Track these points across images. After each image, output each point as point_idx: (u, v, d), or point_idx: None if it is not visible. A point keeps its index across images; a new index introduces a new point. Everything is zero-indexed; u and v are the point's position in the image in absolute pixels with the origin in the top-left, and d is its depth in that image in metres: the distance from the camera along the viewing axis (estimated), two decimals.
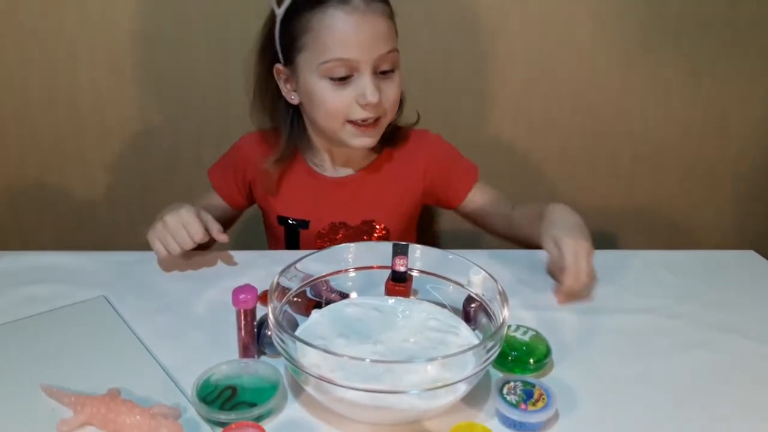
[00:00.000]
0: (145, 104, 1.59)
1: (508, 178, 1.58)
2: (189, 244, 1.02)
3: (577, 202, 1.12)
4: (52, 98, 1.57)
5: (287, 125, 1.17)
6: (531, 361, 0.82)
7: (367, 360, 0.68)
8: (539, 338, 0.86)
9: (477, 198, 1.25)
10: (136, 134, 1.62)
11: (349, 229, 1.22)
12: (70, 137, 1.62)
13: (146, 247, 1.05)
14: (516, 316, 0.94)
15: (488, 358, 0.72)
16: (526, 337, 0.86)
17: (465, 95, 1.61)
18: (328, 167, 1.22)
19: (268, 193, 1.23)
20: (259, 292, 0.83)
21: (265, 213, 1.28)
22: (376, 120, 1.09)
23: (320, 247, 1.07)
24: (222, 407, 0.74)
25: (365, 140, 1.11)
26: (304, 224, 1.22)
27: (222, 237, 1.05)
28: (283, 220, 1.23)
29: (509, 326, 0.86)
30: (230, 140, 1.28)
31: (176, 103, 1.59)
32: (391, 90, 1.08)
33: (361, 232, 1.22)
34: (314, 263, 0.88)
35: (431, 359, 0.70)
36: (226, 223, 1.26)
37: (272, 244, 1.32)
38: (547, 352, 0.84)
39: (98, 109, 1.59)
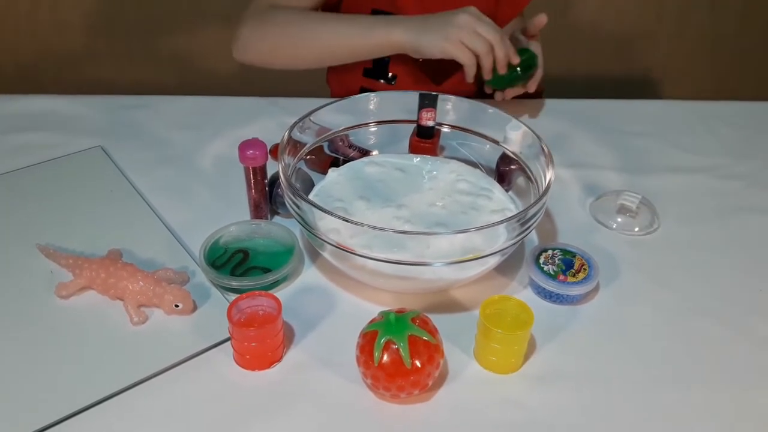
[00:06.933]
0: None
1: None
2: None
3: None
4: None
5: None
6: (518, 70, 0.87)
7: (390, 231, 0.61)
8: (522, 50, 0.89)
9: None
10: None
11: None
12: None
13: (142, 90, 0.94)
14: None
15: (526, 229, 0.64)
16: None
17: None
18: None
19: None
20: (269, 146, 0.74)
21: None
22: None
23: None
24: (233, 272, 0.69)
25: None
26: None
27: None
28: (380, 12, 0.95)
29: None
30: None
31: None
32: None
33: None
34: (331, 115, 0.79)
35: (461, 231, 0.62)
36: None
37: (338, 74, 1.06)
38: (532, 58, 0.89)
39: None
